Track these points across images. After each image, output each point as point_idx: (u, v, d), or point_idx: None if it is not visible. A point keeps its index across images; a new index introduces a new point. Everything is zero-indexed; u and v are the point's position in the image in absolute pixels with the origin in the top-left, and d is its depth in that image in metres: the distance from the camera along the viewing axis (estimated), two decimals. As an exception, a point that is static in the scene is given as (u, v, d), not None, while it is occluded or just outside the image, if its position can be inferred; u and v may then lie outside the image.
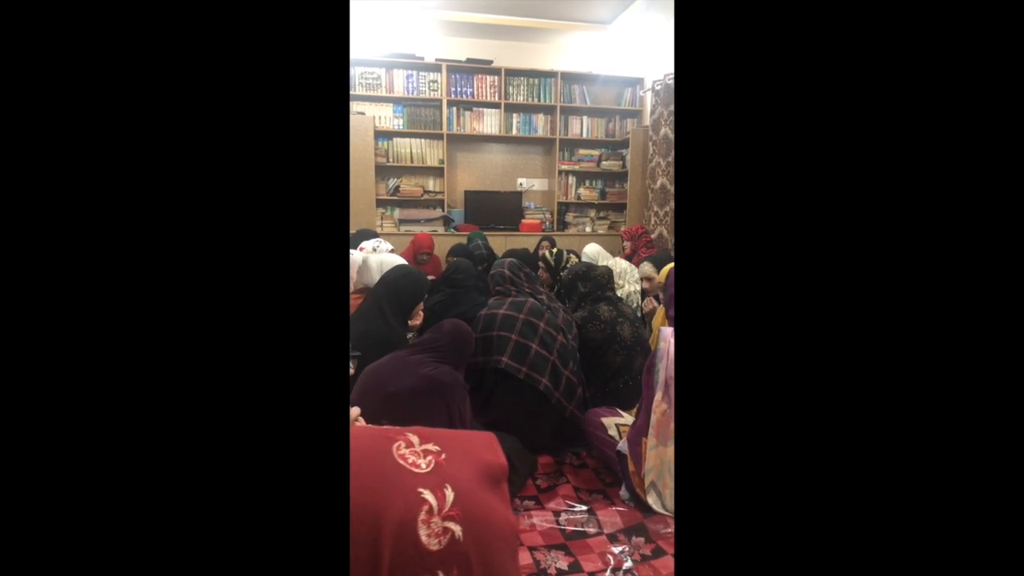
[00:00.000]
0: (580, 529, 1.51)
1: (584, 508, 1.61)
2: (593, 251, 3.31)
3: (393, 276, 1.87)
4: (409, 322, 1.85)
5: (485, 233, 4.07)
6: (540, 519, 1.55)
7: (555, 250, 3.03)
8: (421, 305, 1.90)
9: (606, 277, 2.27)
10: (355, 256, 2.35)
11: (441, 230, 4.35)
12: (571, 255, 3.02)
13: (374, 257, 2.10)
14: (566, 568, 1.35)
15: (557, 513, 1.58)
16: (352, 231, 3.67)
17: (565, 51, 4.71)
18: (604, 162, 4.71)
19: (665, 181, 3.98)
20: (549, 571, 1.33)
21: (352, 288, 2.18)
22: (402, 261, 2.15)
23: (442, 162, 4.41)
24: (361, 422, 1.10)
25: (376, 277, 1.99)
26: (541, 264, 3.00)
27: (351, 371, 1.00)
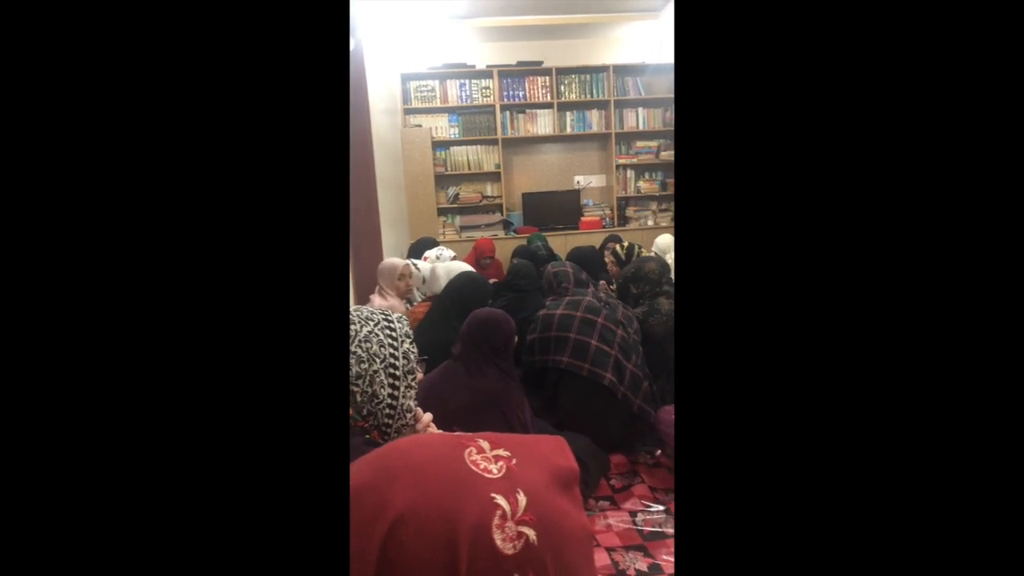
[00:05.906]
0: (658, 530, 1.48)
1: (661, 508, 1.58)
2: (664, 243, 3.21)
3: (457, 283, 1.92)
4: None
5: (545, 234, 4.08)
6: (616, 519, 1.54)
7: (626, 244, 2.99)
8: None
9: (657, 272, 2.22)
10: (421, 267, 2.43)
11: (501, 234, 4.39)
12: (640, 249, 2.97)
13: (442, 266, 2.17)
14: (646, 569, 1.33)
15: (633, 513, 1.56)
16: (414, 240, 3.78)
17: (616, 44, 4.64)
18: (663, 152, 4.60)
19: (728, 167, 3.83)
20: (628, 572, 1.32)
21: (421, 298, 2.26)
22: (468, 268, 2.20)
23: (498, 167, 4.46)
24: (433, 428, 1.13)
25: (444, 285, 2.05)
26: (611, 259, 2.97)
27: (420, 375, 1.03)
